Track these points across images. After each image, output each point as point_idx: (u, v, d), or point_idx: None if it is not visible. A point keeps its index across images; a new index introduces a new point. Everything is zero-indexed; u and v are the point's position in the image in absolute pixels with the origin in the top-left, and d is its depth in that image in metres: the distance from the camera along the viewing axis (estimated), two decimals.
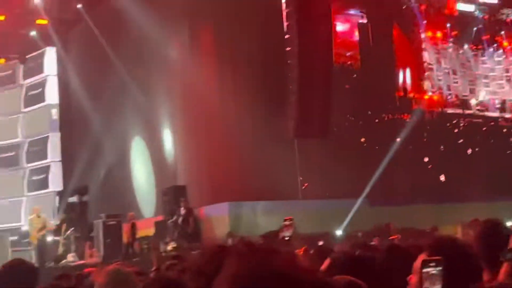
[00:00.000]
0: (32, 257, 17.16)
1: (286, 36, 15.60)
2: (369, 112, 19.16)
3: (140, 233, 17.97)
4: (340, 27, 18.88)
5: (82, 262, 17.08)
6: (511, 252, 2.90)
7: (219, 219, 16.72)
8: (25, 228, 19.31)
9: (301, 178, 17.14)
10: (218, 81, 17.73)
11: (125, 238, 17.56)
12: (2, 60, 22.34)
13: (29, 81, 22.50)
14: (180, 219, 16.08)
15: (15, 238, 19.33)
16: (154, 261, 4.83)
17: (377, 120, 19.29)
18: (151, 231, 18.08)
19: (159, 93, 19.34)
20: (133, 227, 17.81)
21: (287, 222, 14.00)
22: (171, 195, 17.04)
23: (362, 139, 18.84)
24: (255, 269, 1.30)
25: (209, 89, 17.60)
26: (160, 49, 18.40)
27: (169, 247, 14.46)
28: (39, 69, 22.18)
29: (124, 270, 3.61)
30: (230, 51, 17.54)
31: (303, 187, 17.24)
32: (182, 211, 16.08)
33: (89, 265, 15.33)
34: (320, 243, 11.42)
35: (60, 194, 21.13)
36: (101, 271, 4.12)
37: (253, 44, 16.88)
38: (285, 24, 15.71)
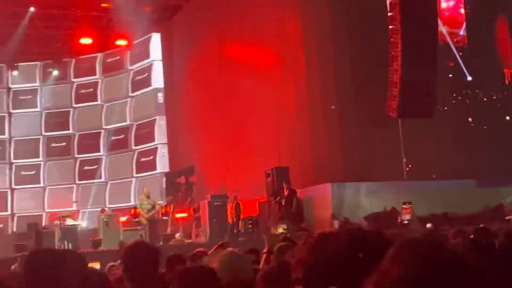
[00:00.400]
0: (142, 236, 17.85)
1: (389, 14, 15.27)
2: (477, 91, 18.50)
3: (244, 213, 18.30)
4: (445, 3, 18.28)
5: (189, 241, 17.62)
6: None
7: (321, 200, 16.72)
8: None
9: (405, 160, 16.82)
10: (320, 61, 17.64)
11: (229, 218, 17.94)
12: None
13: (136, 66, 23.24)
14: (283, 200, 16.21)
15: (126, 217, 20.15)
16: (266, 242, 4.89)
17: (485, 99, 18.60)
18: (254, 212, 18.34)
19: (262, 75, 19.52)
20: (238, 207, 18.15)
21: (406, 206, 13.71)
22: (274, 176, 17.19)
23: (469, 119, 18.24)
24: (446, 269, 1.28)
25: (311, 70, 17.58)
26: (260, 29, 18.55)
27: (280, 229, 14.59)
28: (145, 54, 22.85)
29: (238, 254, 3.69)
30: (331, 29, 17.41)
31: (408, 168, 16.92)
32: (285, 192, 16.20)
33: (197, 244, 15.80)
34: (428, 225, 11.23)
35: (167, 175, 21.83)
36: (215, 254, 4.24)
37: (355, 23, 16.67)
38: (388, 1, 15.38)
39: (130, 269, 3.38)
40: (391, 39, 15.51)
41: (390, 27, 15.43)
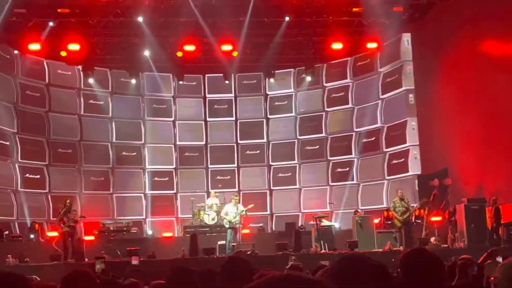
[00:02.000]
0: (396, 239, 17.79)
1: None
2: None
3: (505, 218, 17.28)
4: None
5: (445, 246, 17.15)
6: None
7: None
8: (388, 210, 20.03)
9: None
10: None
11: (488, 223, 17.09)
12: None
13: (386, 68, 23.18)
14: None
15: (379, 219, 20.22)
16: None
17: None
18: None
19: None
20: (497, 212, 17.21)
21: None
22: None
23: None
24: None
25: None
26: None
27: None
28: (395, 55, 22.68)
29: None
30: None
31: None
32: None
33: (454, 250, 15.31)
34: None
35: (420, 177, 21.44)
36: (493, 264, 4.06)
37: None
38: None
39: (410, 276, 3.36)
40: None
41: None
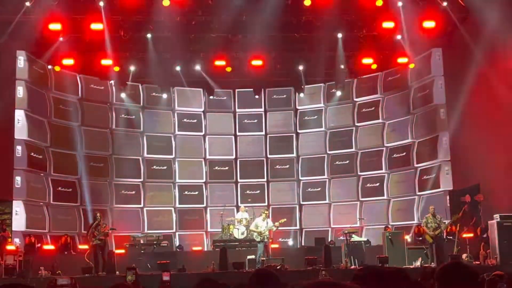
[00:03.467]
0: (427, 255, 17.60)
1: None
2: None
3: None
4: None
5: (477, 263, 16.92)
6: None
7: None
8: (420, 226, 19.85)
9: None
10: None
11: None
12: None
13: (417, 83, 23.02)
14: None
15: (410, 235, 20.03)
16: None
17: None
18: None
19: None
20: None
21: None
22: None
23: None
24: None
25: None
26: None
27: None
28: (426, 70, 22.54)
29: None
30: None
31: None
32: None
33: (486, 267, 15.08)
34: None
35: (451, 193, 21.21)
36: None
37: None
38: None
39: None
40: None
41: None
